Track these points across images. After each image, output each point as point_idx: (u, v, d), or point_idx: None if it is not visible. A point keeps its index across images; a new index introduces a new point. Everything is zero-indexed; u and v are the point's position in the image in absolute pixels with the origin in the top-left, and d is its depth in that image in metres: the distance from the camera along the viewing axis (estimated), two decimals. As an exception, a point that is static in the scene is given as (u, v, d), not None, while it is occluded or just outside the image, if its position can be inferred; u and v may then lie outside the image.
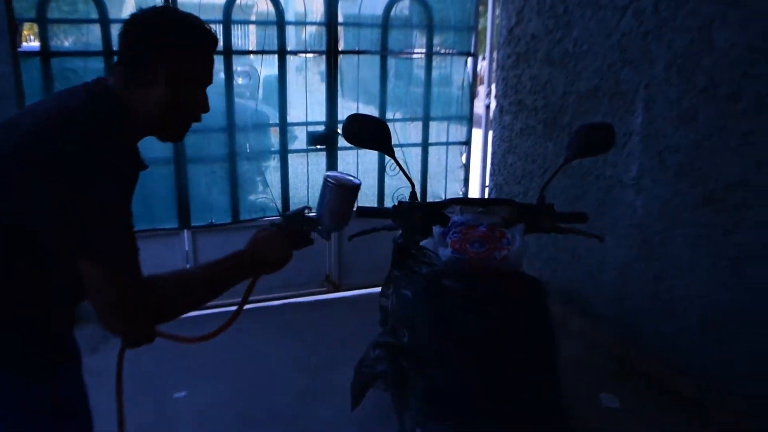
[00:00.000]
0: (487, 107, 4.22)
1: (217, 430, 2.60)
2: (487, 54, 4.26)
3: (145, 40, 1.19)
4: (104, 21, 3.21)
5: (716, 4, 2.47)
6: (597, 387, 2.92)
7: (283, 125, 3.71)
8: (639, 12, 2.83)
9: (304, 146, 3.79)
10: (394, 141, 1.94)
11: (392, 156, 1.94)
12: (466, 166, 4.19)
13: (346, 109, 3.73)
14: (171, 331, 1.44)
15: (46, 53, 3.16)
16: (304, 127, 3.77)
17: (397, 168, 2.01)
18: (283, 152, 3.73)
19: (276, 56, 3.58)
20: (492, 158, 4.14)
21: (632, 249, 3.01)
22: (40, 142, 1.08)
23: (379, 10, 3.76)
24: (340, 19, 3.71)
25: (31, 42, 3.38)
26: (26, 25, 3.23)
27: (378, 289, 2.70)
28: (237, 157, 3.61)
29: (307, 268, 3.94)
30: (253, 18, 3.71)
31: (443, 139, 4.10)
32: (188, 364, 2.95)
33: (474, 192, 4.39)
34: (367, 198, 3.97)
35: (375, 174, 3.98)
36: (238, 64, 3.55)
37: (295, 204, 3.81)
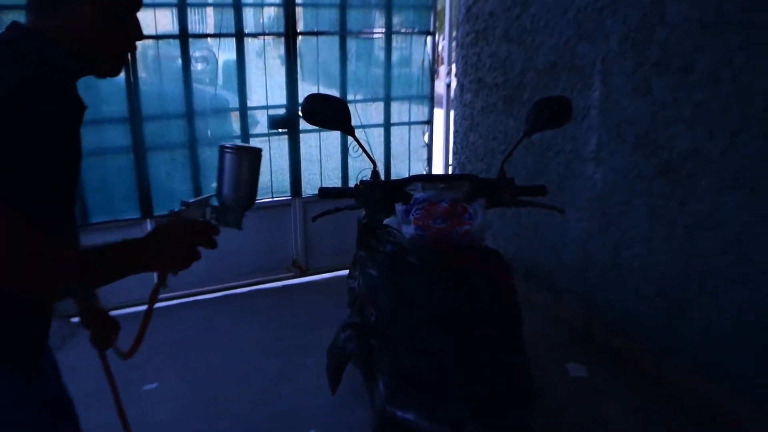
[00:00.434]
0: (448, 86, 4.24)
1: (188, 418, 2.59)
2: (446, 32, 4.26)
3: None
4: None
5: (667, -22, 2.51)
6: (562, 359, 2.99)
7: (244, 110, 3.66)
8: (593, -13, 2.86)
9: (265, 130, 3.76)
10: (355, 122, 1.93)
11: (353, 135, 1.93)
12: (429, 146, 4.20)
13: (306, 91, 3.57)
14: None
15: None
16: (265, 110, 3.74)
17: (360, 149, 2.00)
18: (245, 137, 3.68)
19: (234, 39, 3.52)
20: (454, 137, 4.17)
21: (593, 221, 3.07)
22: None
23: (337, -10, 3.71)
24: (299, -1, 3.67)
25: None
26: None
27: (346, 272, 2.71)
28: (197, 143, 3.55)
29: (274, 253, 3.93)
30: (209, 0, 3.64)
31: (405, 119, 4.10)
32: (158, 356, 2.92)
33: (438, 171, 4.42)
34: (331, 180, 3.97)
35: (338, 156, 3.98)
36: (196, 49, 3.47)
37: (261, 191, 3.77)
